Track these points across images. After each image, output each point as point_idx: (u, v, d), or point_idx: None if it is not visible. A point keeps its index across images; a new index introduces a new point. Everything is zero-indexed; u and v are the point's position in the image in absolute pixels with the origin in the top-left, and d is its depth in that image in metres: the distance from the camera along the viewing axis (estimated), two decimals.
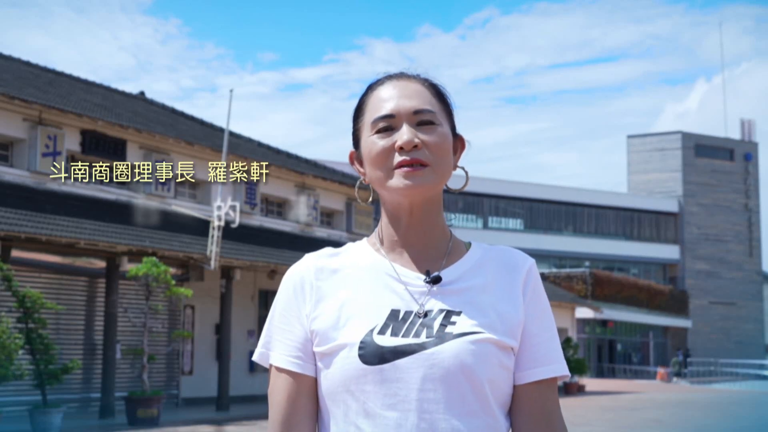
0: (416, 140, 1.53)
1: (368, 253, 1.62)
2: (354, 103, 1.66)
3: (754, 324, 57.23)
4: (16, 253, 15.94)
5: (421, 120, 1.56)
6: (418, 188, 1.54)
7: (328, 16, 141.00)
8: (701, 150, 56.56)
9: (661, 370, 42.78)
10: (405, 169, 1.53)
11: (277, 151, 26.15)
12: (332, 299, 1.57)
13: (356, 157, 1.66)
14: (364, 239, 1.67)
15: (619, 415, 19.83)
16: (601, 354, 47.37)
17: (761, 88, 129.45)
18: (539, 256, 47.06)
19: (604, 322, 46.03)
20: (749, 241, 57.25)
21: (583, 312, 38.94)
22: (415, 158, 1.53)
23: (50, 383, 14.18)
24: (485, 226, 50.49)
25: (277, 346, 1.59)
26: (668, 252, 55.67)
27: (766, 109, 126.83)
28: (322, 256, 1.63)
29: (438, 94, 1.62)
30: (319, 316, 1.56)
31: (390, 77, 1.63)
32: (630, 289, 46.88)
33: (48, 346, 14.18)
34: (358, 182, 1.68)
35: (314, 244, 19.15)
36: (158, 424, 15.82)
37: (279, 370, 1.58)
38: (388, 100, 1.58)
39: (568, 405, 23.39)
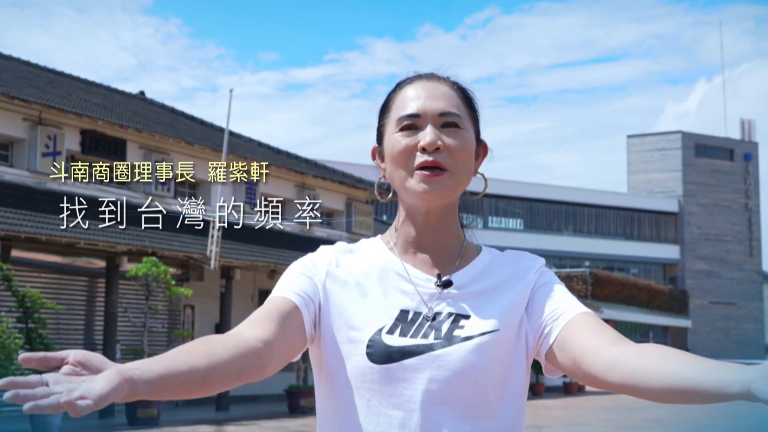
0: (439, 142, 1.53)
1: (382, 252, 1.62)
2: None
3: (754, 324, 57.22)
4: (16, 253, 15.96)
5: (446, 122, 1.55)
6: (436, 193, 1.53)
7: (328, 16, 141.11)
8: (701, 150, 56.53)
9: None
10: (425, 173, 1.53)
11: (277, 151, 26.15)
12: (344, 294, 1.56)
13: (378, 152, 1.65)
14: (378, 237, 1.67)
15: (619, 415, 19.83)
16: None
17: (761, 88, 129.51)
18: (539, 256, 46.92)
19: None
20: (749, 241, 57.23)
21: None
22: (435, 161, 1.53)
23: None
24: (485, 226, 50.47)
25: (282, 290, 1.54)
26: (668, 252, 55.65)
27: (766, 109, 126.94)
28: (339, 250, 1.62)
29: (466, 98, 1.62)
30: (330, 303, 1.55)
31: (420, 77, 1.62)
32: (630, 289, 46.87)
33: (48, 346, 14.19)
34: (378, 180, 1.67)
35: (314, 244, 19.09)
36: (158, 424, 15.83)
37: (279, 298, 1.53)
38: (414, 99, 1.57)
39: (568, 405, 23.38)
